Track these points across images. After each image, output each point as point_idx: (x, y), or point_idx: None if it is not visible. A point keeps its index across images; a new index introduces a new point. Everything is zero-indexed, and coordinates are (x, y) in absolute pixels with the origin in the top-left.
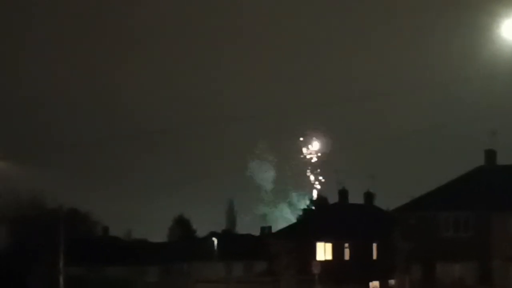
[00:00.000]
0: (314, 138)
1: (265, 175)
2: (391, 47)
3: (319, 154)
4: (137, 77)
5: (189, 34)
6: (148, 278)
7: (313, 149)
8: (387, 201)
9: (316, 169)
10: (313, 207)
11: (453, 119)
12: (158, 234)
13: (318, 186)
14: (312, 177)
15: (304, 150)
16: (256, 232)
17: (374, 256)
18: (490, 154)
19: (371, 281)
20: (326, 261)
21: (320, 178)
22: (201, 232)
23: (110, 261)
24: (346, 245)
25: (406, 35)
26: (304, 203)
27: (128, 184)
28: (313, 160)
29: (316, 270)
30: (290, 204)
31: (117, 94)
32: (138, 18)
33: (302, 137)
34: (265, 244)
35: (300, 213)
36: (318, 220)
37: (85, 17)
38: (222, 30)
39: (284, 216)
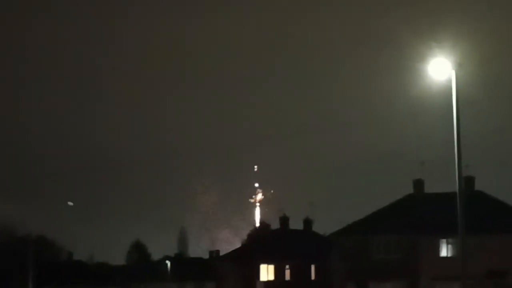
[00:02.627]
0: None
1: (209, 201)
2: (329, 86)
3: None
4: (97, 116)
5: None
6: None
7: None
8: (324, 226)
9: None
10: (257, 233)
11: (385, 151)
12: (118, 258)
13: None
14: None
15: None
16: (206, 255)
17: (313, 277)
18: (419, 183)
19: None
20: (269, 281)
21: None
22: (156, 256)
23: (74, 282)
24: (287, 266)
25: (342, 74)
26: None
27: (90, 213)
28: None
29: None
30: (234, 228)
31: (83, 130)
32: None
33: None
34: (213, 266)
35: (245, 237)
36: (261, 244)
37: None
38: (168, 74)
39: (229, 240)
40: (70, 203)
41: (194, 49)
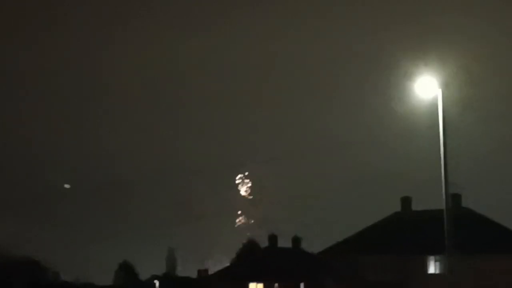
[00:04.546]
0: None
1: (198, 219)
2: (316, 106)
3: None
4: (84, 139)
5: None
6: None
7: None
8: (312, 244)
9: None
10: (246, 251)
11: (372, 169)
12: (105, 278)
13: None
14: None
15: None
16: (194, 274)
17: None
18: (406, 201)
19: None
20: None
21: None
22: (143, 276)
23: None
24: (276, 285)
25: (330, 94)
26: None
27: (77, 233)
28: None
29: None
30: (222, 247)
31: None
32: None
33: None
34: (202, 285)
35: (233, 256)
36: (250, 263)
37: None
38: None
39: (217, 259)
40: (67, 186)
41: (187, 69)
